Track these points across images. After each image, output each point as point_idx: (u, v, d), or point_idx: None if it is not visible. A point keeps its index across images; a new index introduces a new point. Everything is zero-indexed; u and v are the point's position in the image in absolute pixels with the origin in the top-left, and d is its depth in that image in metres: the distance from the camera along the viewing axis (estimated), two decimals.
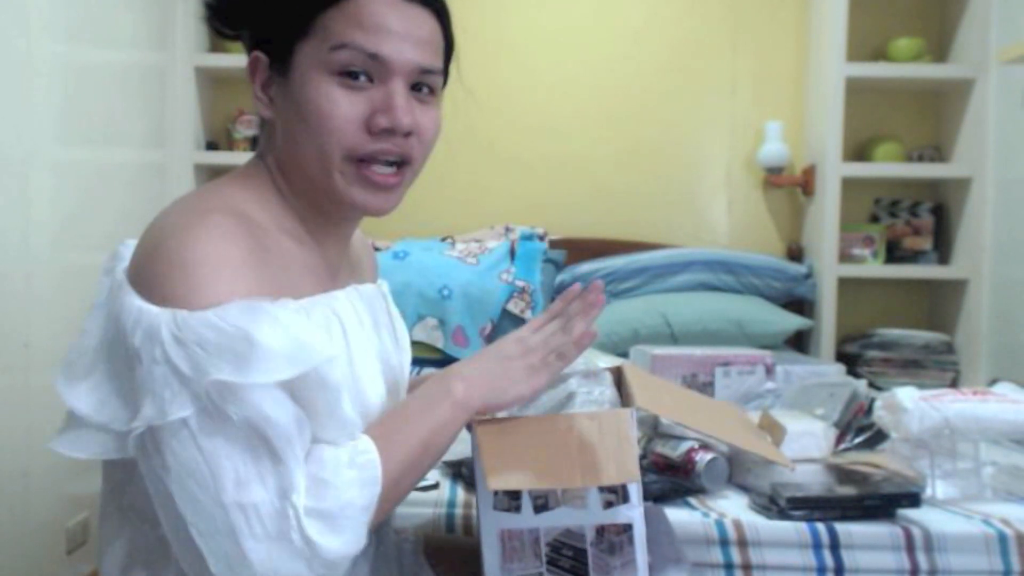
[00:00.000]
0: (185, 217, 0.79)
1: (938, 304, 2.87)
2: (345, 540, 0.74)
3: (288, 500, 0.71)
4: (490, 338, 2.51)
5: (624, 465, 0.84)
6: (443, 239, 2.74)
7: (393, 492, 0.80)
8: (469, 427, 0.91)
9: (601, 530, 0.87)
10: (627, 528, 0.86)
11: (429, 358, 2.29)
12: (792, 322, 2.54)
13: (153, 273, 0.76)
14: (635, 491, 0.87)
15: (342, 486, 0.75)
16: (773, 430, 1.27)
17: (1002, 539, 1.12)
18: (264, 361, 0.72)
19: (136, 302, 0.75)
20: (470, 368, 0.89)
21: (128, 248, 0.84)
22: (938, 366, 2.61)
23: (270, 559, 0.71)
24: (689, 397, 1.31)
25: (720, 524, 1.14)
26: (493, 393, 0.88)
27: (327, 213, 0.92)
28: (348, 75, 0.84)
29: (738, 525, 1.14)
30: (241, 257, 0.77)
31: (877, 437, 1.41)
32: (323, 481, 0.74)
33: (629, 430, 0.88)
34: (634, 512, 0.86)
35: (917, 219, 2.83)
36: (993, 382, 1.45)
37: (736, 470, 1.28)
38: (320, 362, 0.76)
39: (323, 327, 0.84)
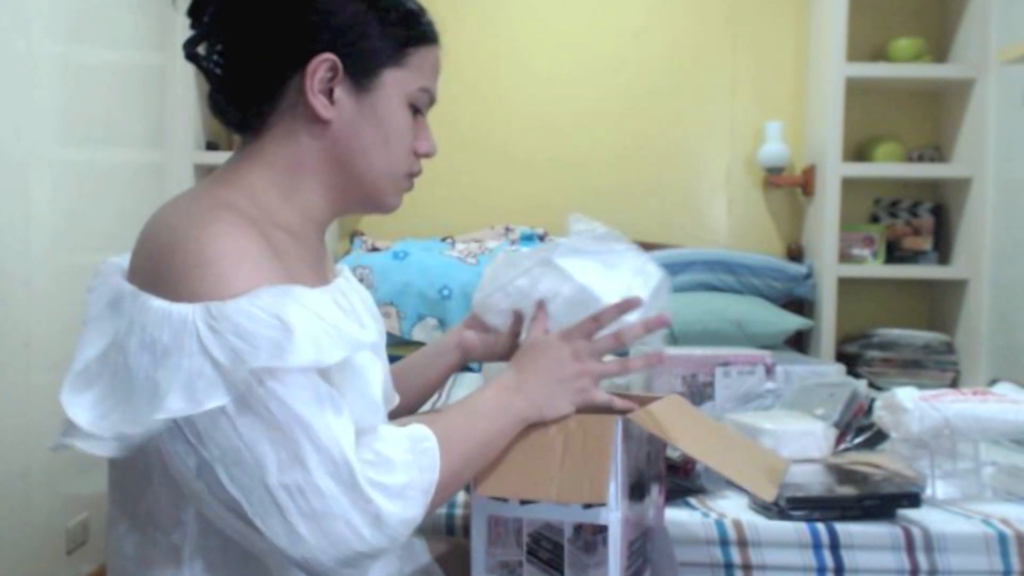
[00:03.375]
0: (190, 218, 0.80)
1: (938, 304, 2.87)
2: (406, 509, 0.77)
3: (336, 477, 0.73)
4: None
5: (596, 485, 0.88)
6: (443, 239, 2.74)
7: (450, 485, 0.85)
8: None
9: (579, 528, 0.90)
10: (603, 529, 0.89)
11: None
12: (792, 322, 2.54)
13: (174, 274, 0.76)
14: (614, 496, 0.89)
15: (402, 465, 0.79)
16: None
17: (1002, 539, 1.12)
18: (301, 345, 0.74)
19: (159, 304, 0.75)
20: (530, 383, 0.96)
21: (110, 266, 0.84)
22: (938, 366, 2.61)
23: (323, 533, 0.73)
24: (718, 433, 1.08)
25: (720, 524, 1.14)
26: (546, 410, 0.96)
27: (342, 211, 0.96)
28: (416, 108, 0.96)
29: (738, 525, 1.14)
30: (257, 248, 0.80)
31: (877, 437, 1.41)
32: (385, 458, 0.78)
33: (609, 444, 0.90)
34: (611, 515, 0.89)
35: (917, 219, 2.83)
36: (993, 382, 1.44)
37: None
38: (358, 347, 0.80)
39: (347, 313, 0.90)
